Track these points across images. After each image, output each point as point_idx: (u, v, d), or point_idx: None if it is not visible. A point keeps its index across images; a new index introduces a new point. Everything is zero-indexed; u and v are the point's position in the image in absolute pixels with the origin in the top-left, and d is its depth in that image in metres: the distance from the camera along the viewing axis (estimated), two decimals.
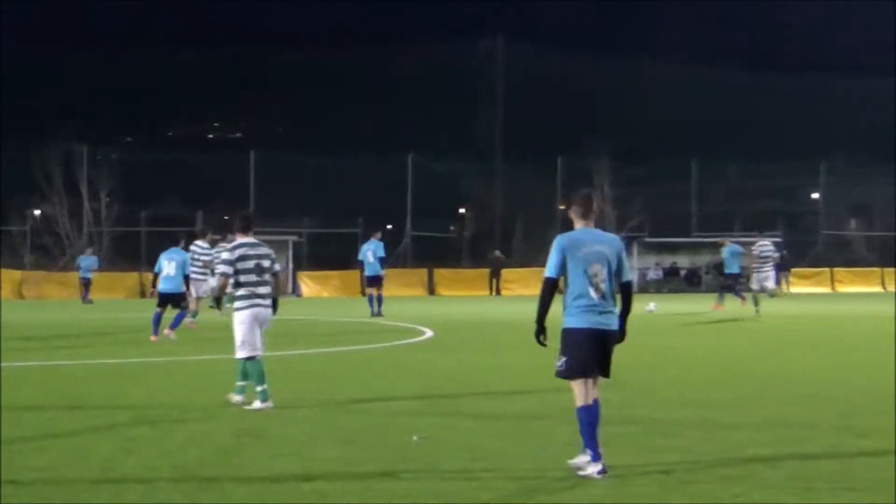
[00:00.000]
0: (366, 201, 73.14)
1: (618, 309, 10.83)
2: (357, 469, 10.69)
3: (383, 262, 38.63)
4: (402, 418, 13.91)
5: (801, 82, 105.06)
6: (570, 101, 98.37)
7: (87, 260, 52.77)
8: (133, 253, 64.08)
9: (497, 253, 66.73)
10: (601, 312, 10.59)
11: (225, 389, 15.75)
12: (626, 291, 10.90)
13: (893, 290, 64.66)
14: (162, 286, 27.23)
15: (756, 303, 36.78)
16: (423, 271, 64.68)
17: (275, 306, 15.76)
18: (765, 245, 38.59)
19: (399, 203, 70.95)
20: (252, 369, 15.23)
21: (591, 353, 10.59)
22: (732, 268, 40.15)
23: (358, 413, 14.40)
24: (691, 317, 37.70)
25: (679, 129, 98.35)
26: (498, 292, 60.96)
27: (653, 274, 69.03)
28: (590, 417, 10.54)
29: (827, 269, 70.36)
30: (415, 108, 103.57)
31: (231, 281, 15.37)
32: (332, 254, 67.99)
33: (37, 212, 68.61)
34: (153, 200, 69.63)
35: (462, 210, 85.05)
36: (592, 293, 10.56)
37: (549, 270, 10.68)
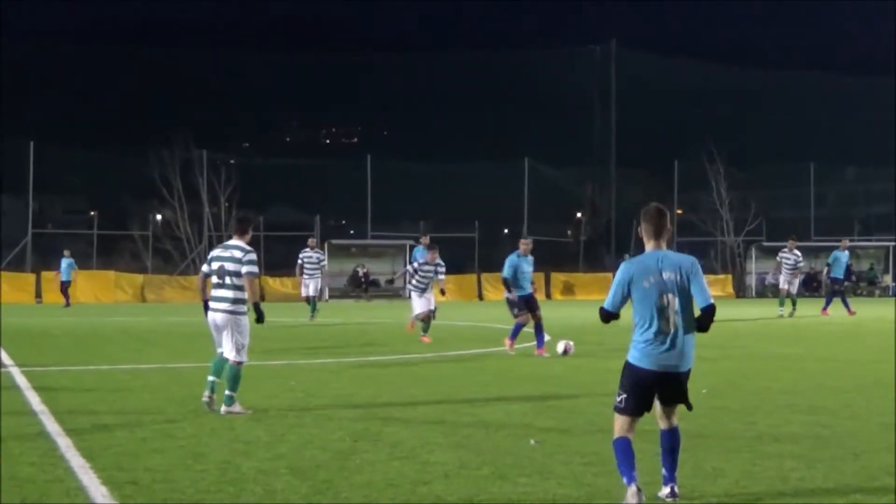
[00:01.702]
0: (481, 205, 73.26)
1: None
2: (471, 472, 10.72)
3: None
4: (515, 422, 13.95)
5: None
6: (685, 105, 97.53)
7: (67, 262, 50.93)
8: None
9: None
10: (669, 350, 9.41)
11: (341, 393, 15.83)
12: (708, 316, 9.54)
13: None
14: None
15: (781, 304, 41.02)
16: (540, 275, 64.61)
17: (258, 312, 15.01)
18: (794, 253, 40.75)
19: (515, 207, 70.92)
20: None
21: (650, 394, 9.51)
22: (837, 272, 40.14)
23: (471, 417, 14.41)
24: (804, 321, 37.32)
25: (795, 132, 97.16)
26: None
27: (771, 278, 68.27)
28: (625, 448, 9.44)
29: None
30: (529, 113, 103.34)
31: (214, 280, 15.13)
32: (447, 258, 68.06)
33: (158, 216, 69.42)
34: (270, 205, 70.27)
35: (579, 214, 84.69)
36: (662, 327, 9.41)
37: (608, 302, 9.70)
